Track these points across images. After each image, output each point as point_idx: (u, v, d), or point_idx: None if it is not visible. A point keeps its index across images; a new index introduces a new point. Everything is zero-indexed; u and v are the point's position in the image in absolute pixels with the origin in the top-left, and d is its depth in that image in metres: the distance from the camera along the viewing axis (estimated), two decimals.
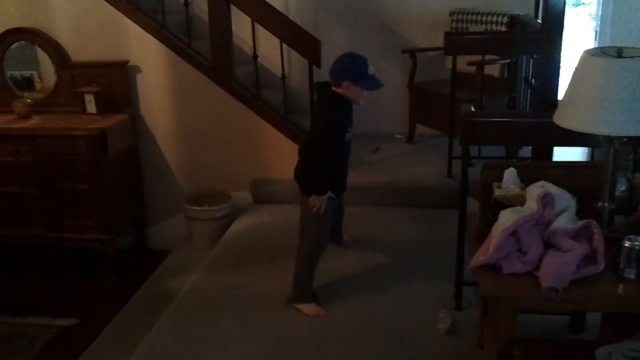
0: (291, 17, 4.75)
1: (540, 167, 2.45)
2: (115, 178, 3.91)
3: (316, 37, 3.97)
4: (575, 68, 2.04)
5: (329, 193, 2.92)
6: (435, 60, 4.78)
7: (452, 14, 4.67)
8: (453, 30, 4.62)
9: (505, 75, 4.27)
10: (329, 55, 4.51)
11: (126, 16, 3.97)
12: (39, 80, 4.32)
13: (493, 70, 4.30)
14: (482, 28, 4.39)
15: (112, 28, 4.02)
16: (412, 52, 4.66)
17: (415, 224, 3.75)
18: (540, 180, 2.29)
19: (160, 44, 4.00)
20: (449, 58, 4.18)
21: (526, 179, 2.33)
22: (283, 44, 3.94)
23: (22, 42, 4.11)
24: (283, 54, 3.98)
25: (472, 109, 2.90)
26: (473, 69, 3.96)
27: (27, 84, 4.36)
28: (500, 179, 2.37)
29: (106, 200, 3.83)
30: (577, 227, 2.08)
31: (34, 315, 3.56)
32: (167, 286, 3.56)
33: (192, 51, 4.01)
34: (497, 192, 2.33)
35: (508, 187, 2.35)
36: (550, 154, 3.06)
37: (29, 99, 4.10)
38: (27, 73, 4.38)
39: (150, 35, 3.99)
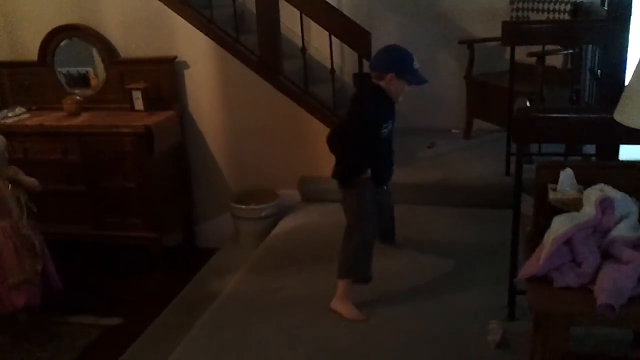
0: (344, 8, 4.65)
1: (601, 167, 2.24)
2: (162, 176, 3.87)
3: (369, 28, 3.82)
4: None
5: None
6: (494, 51, 4.53)
7: (512, 2, 4.41)
8: (513, 20, 4.38)
9: (569, 66, 4.01)
10: (380, 45, 4.39)
11: (174, 11, 3.92)
12: (94, 76, 4.32)
13: (556, 61, 4.03)
14: (544, 17, 4.13)
15: (160, 23, 3.98)
16: (470, 43, 4.43)
17: (469, 225, 3.55)
18: (600, 182, 2.08)
19: (208, 39, 3.93)
20: (509, 49, 3.96)
21: (585, 181, 2.12)
22: (332, 36, 3.81)
23: (73, 39, 4.12)
24: (332, 47, 3.84)
25: (528, 103, 2.69)
26: (534, 60, 3.71)
27: (83, 80, 4.37)
28: (556, 180, 2.16)
29: (152, 198, 3.79)
30: (638, 235, 1.87)
31: (80, 313, 3.55)
32: (210, 286, 3.49)
33: (239, 46, 3.93)
34: (552, 195, 2.13)
35: (564, 189, 2.15)
36: (615, 151, 2.82)
37: (79, 96, 4.11)
38: (83, 70, 4.40)
39: (197, 30, 3.93)
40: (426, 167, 4.12)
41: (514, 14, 4.39)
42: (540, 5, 4.16)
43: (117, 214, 3.83)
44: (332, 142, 2.86)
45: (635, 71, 1.82)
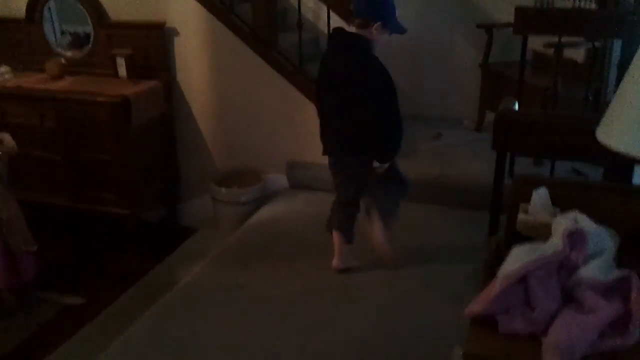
0: None
1: (584, 188, 1.93)
2: (141, 149, 3.65)
3: None
4: (632, 65, 1.50)
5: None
6: (516, 39, 4.16)
7: None
8: (537, 5, 4.00)
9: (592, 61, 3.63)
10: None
11: None
12: None
13: (577, 54, 3.67)
14: (569, 4, 3.75)
15: None
16: (489, 28, 4.07)
17: (462, 229, 3.25)
18: (581, 206, 1.78)
19: (200, 5, 3.66)
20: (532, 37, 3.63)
21: (563, 203, 1.82)
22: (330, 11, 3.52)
23: None
24: (330, 22, 3.54)
25: (516, 105, 2.37)
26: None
27: (87, 40, 4.16)
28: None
29: (129, 172, 3.58)
30: (610, 279, 1.57)
31: (46, 288, 3.39)
32: (176, 273, 3.28)
33: (232, 15, 3.65)
34: (520, 218, 1.84)
35: (536, 212, 1.86)
36: (628, 172, 2.45)
37: (67, 58, 3.91)
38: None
39: None
40: (426, 160, 3.82)
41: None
42: None
43: (93, 187, 3.64)
44: (374, 115, 2.58)
45: (621, 85, 1.50)
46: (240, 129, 3.87)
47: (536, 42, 3.74)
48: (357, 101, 2.56)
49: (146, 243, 3.76)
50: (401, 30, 2.63)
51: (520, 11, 3.29)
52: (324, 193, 3.53)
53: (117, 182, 3.57)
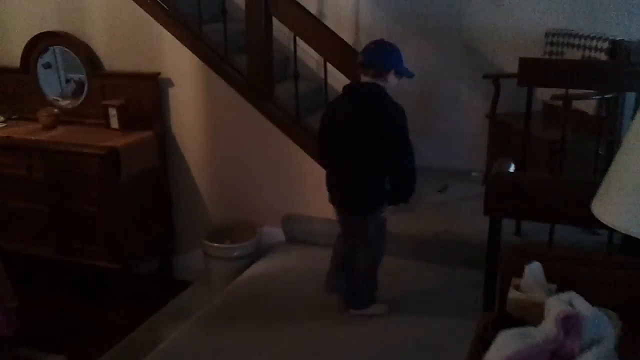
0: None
1: (585, 264, 1.73)
2: (132, 202, 3.53)
3: None
4: (628, 135, 1.32)
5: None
6: (525, 89, 4.01)
7: (547, 35, 3.89)
8: (546, 55, 3.85)
9: (603, 113, 3.45)
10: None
11: (160, 24, 3.58)
12: None
13: (588, 106, 3.49)
14: (579, 54, 3.59)
15: (145, 37, 3.66)
16: (496, 78, 3.93)
17: (464, 291, 3.05)
18: (582, 283, 1.60)
19: (194, 56, 3.58)
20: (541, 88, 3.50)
21: (561, 280, 1.63)
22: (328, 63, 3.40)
23: (57, 47, 3.86)
24: (327, 74, 3.43)
25: (512, 166, 2.19)
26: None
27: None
28: None
29: (117, 226, 3.45)
30: None
31: (28, 344, 3.25)
32: (160, 332, 3.10)
33: (227, 66, 3.56)
34: (511, 296, 1.65)
35: (528, 289, 1.67)
36: None
37: (60, 107, 3.84)
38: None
39: (184, 47, 3.58)
40: (429, 215, 3.63)
41: (548, 48, 3.86)
42: (577, 41, 3.62)
43: (80, 240, 3.52)
44: (394, 165, 2.69)
45: (617, 156, 1.33)
46: (236, 181, 3.74)
47: (546, 93, 3.58)
48: (374, 148, 2.61)
49: (136, 297, 3.61)
50: (410, 75, 2.75)
51: (524, 62, 3.13)
52: (320, 248, 3.38)
53: (105, 235, 3.45)
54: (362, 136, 2.61)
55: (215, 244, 3.49)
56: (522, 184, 1.95)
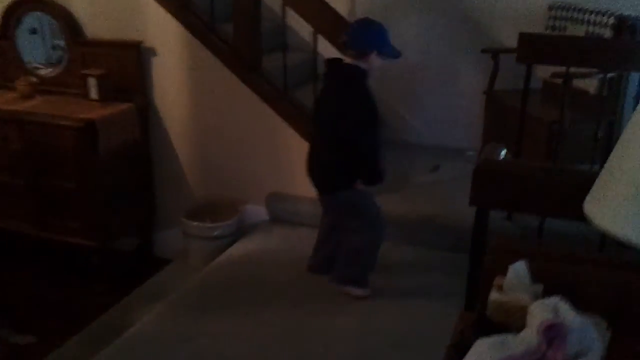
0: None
1: (576, 263, 1.59)
2: (110, 177, 3.39)
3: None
4: (628, 128, 1.16)
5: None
6: (525, 66, 3.84)
7: (551, 8, 3.70)
8: (548, 30, 3.67)
9: (605, 93, 3.28)
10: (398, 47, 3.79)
11: None
12: None
13: (589, 84, 3.32)
14: (582, 29, 3.41)
15: (128, 2, 3.48)
16: (495, 53, 3.75)
17: (450, 276, 2.93)
18: (570, 285, 1.46)
19: (178, 23, 3.40)
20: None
21: (549, 281, 1.50)
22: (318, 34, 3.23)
23: (36, 12, 3.68)
24: (320, 46, 3.26)
25: (503, 152, 2.04)
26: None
27: None
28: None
29: (95, 202, 3.32)
30: None
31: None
32: (132, 314, 2.98)
33: (213, 35, 3.39)
34: (492, 297, 1.51)
35: (512, 290, 1.53)
36: None
37: (37, 76, 3.68)
38: None
39: (168, 13, 3.41)
40: (418, 196, 3.49)
41: (551, 22, 3.67)
42: (581, 16, 3.44)
43: (57, 215, 3.39)
44: (352, 146, 2.54)
45: (612, 156, 1.17)
46: (220, 156, 3.59)
47: (546, 70, 3.41)
48: (342, 134, 2.53)
49: (115, 276, 3.50)
50: (396, 55, 2.62)
51: (524, 38, 2.96)
52: (304, 228, 3.26)
53: (82, 211, 3.32)
54: (328, 117, 2.59)
55: (194, 223, 3.36)
56: (511, 173, 1.80)
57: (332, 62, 2.60)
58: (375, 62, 2.53)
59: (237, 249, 3.23)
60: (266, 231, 3.40)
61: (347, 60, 2.56)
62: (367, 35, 2.54)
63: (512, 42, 3.69)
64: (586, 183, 1.18)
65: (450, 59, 4.05)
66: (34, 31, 3.97)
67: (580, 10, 3.46)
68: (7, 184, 3.44)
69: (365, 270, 2.77)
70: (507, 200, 1.80)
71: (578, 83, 3.23)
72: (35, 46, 3.93)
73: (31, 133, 3.29)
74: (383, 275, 2.91)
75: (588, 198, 1.20)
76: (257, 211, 3.53)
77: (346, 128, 2.51)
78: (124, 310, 3.12)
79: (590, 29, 3.37)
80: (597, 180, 1.16)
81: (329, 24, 3.14)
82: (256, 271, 3.02)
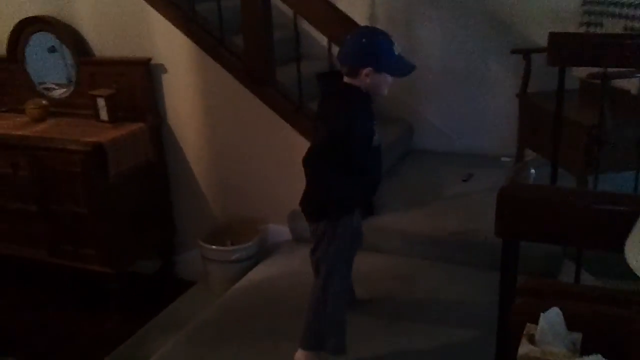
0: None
1: (623, 303, 1.37)
2: (122, 201, 3.26)
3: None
4: None
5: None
6: None
7: (585, 3, 3.43)
8: (582, 27, 3.40)
9: None
10: (420, 51, 3.56)
11: (149, 4, 3.26)
12: None
13: (631, 84, 3.06)
14: (620, 25, 3.15)
15: (135, 19, 3.34)
16: (526, 53, 3.51)
17: (481, 298, 2.69)
18: (613, 334, 1.25)
19: (187, 39, 3.25)
20: None
21: (587, 326, 1.28)
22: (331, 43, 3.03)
23: (43, 32, 3.57)
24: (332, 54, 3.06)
25: (532, 172, 1.81)
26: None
27: None
28: None
29: (107, 228, 3.19)
30: None
31: (8, 353, 3.03)
32: (147, 347, 2.84)
33: (223, 49, 3.23)
34: (522, 351, 1.30)
35: (544, 341, 1.32)
36: None
37: (48, 99, 3.57)
38: None
39: (176, 29, 3.26)
40: (449, 209, 3.26)
41: (585, 18, 3.40)
42: (617, 10, 3.17)
43: (70, 242, 3.27)
44: (312, 169, 2.22)
45: None
46: (238, 175, 3.43)
47: (583, 70, 3.16)
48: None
49: (134, 301, 3.36)
50: (402, 72, 2.15)
51: (555, 38, 2.70)
52: None
53: (95, 238, 3.19)
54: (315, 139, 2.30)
55: (212, 246, 3.20)
56: (541, 199, 1.58)
57: (325, 77, 2.26)
58: (373, 79, 2.08)
59: (258, 273, 3.06)
60: (288, 252, 3.22)
61: (345, 79, 2.16)
62: (358, 49, 2.10)
63: (543, 40, 3.47)
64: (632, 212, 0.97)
65: (480, 60, 3.82)
66: (53, 49, 3.87)
67: (616, 3, 3.19)
68: (19, 210, 3.33)
69: (323, 330, 2.30)
70: (539, 231, 1.58)
71: (618, 82, 2.98)
72: (55, 65, 3.82)
73: (40, 158, 3.17)
74: (410, 294, 2.71)
75: (629, 240, 1.00)
76: (279, 231, 3.36)
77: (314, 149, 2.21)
78: (139, 342, 2.98)
79: (629, 23, 3.10)
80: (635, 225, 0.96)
81: (344, 31, 2.94)
82: (277, 296, 2.84)
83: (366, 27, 2.36)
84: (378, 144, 2.18)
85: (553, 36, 2.69)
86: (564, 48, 2.69)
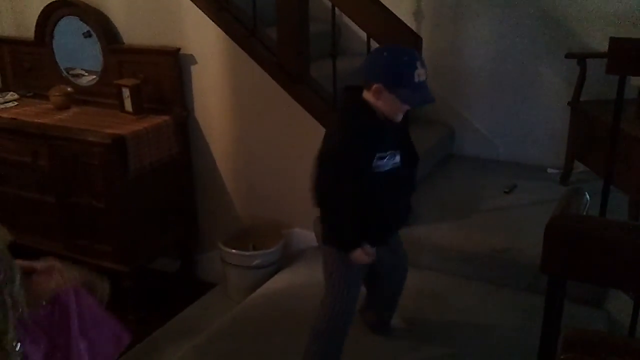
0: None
1: None
2: (142, 198, 3.10)
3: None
4: None
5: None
6: None
7: None
8: None
9: None
10: (466, 50, 3.35)
11: None
12: None
13: None
14: None
15: (166, 6, 3.19)
16: (582, 58, 3.24)
17: (521, 322, 2.46)
18: None
19: (219, 29, 3.08)
20: None
21: None
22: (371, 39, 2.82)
23: (72, 17, 3.43)
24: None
25: (587, 198, 1.56)
26: None
27: None
28: None
29: (125, 224, 3.04)
30: None
31: None
32: (155, 356, 2.68)
33: (255, 41, 3.04)
34: None
35: None
36: None
37: (73, 86, 3.44)
38: None
39: (207, 18, 3.09)
40: (488, 223, 3.03)
41: None
42: None
43: (86, 237, 3.13)
44: (315, 188, 2.07)
45: None
46: (266, 175, 3.25)
47: None
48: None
49: (150, 301, 3.22)
50: (414, 101, 1.93)
51: (617, 44, 2.45)
52: None
53: (112, 233, 3.04)
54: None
55: (232, 250, 3.02)
56: (595, 233, 1.35)
57: (349, 91, 2.07)
58: (385, 99, 1.91)
59: (278, 281, 2.88)
60: (312, 259, 3.01)
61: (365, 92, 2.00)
62: (375, 61, 1.97)
63: (601, 45, 3.19)
64: None
65: (530, 63, 3.56)
66: (88, 34, 3.74)
67: None
68: (38, 200, 3.20)
69: None
70: (590, 270, 1.35)
71: None
72: (89, 51, 3.68)
73: (59, 148, 3.03)
74: (441, 315, 2.50)
75: None
76: (305, 236, 3.17)
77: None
78: (147, 350, 2.81)
79: None
80: None
81: (385, 27, 2.73)
82: (295, 308, 2.64)
83: (398, 45, 2.18)
84: (388, 169, 1.99)
85: (614, 42, 2.43)
86: (627, 55, 2.43)
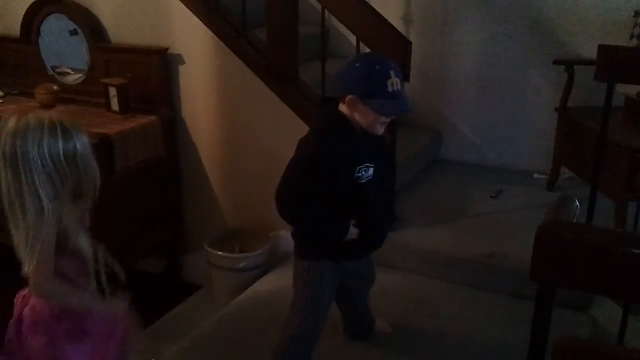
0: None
1: None
2: (127, 196, 3.07)
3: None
4: None
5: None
6: None
7: (637, 13, 3.17)
8: (634, 39, 3.15)
9: None
10: (454, 55, 3.35)
11: None
12: None
13: None
14: None
15: (154, 5, 3.17)
16: (569, 64, 3.26)
17: (507, 328, 2.47)
18: None
19: (208, 29, 3.06)
20: None
21: None
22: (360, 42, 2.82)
23: (59, 14, 3.40)
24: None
25: (576, 205, 1.57)
26: None
27: None
28: None
29: (109, 224, 3.00)
30: None
31: None
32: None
33: (244, 42, 3.03)
34: None
35: None
36: None
37: (58, 84, 3.41)
38: None
39: (196, 18, 3.07)
40: (474, 227, 3.04)
41: (637, 30, 3.15)
42: None
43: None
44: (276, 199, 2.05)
45: None
46: (254, 176, 3.23)
47: (631, 86, 2.91)
48: None
49: (134, 302, 3.17)
50: (387, 111, 1.87)
51: (605, 51, 2.46)
52: None
53: (97, 233, 3.00)
54: None
55: (218, 252, 3.00)
56: (587, 241, 1.35)
57: (327, 102, 2.06)
58: (357, 110, 1.86)
59: (264, 283, 2.87)
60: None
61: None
62: (346, 73, 1.88)
63: (589, 52, 3.21)
64: None
65: (518, 69, 3.58)
66: (75, 32, 3.70)
67: None
68: None
69: None
70: (580, 278, 1.35)
71: None
72: (75, 49, 3.65)
73: None
74: (427, 321, 2.50)
75: None
76: (291, 239, 3.14)
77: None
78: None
79: None
80: None
81: (374, 30, 2.73)
82: (282, 312, 2.61)
83: (371, 53, 2.17)
84: (365, 180, 1.95)
85: (603, 49, 2.44)
86: (615, 62, 2.44)
